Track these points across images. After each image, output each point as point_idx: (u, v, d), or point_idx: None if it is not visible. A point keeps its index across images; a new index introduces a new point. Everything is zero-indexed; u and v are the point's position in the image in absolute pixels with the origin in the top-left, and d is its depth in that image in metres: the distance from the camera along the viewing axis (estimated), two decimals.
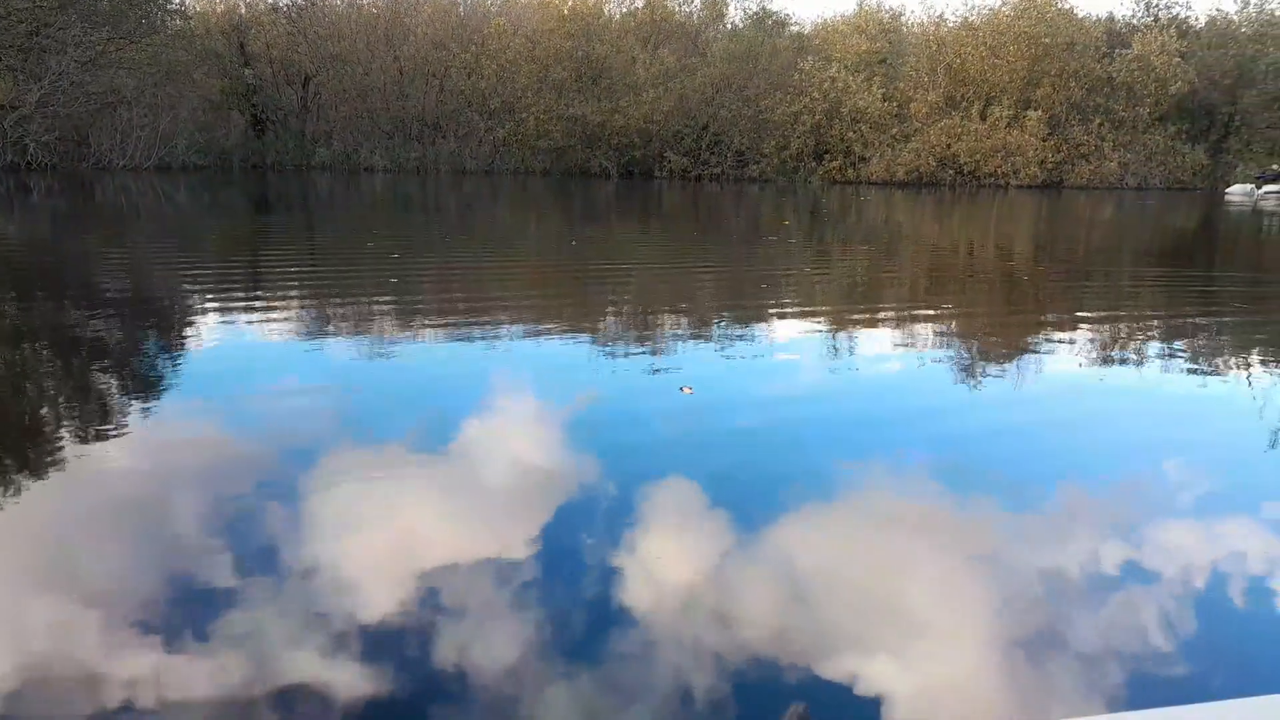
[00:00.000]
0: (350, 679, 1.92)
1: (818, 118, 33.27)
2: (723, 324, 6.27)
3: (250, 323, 5.73)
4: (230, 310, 6.17)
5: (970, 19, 35.05)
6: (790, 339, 5.72)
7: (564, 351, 5.14)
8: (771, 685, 1.93)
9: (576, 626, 2.15)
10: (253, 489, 2.95)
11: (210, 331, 5.42)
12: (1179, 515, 2.91)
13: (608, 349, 5.23)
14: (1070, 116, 33.91)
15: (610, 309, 6.86)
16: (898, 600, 2.31)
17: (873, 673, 1.98)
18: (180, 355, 4.86)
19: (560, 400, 4.13)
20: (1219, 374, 5.10)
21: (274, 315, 6.05)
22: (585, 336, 5.67)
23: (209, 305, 6.36)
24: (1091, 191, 31.78)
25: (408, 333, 5.57)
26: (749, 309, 6.99)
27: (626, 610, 2.22)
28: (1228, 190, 31.10)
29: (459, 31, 34.09)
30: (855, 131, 33.57)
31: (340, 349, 5.03)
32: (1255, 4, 36.23)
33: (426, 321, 6.00)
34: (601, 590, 2.32)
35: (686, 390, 4.16)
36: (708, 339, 5.65)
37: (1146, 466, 3.43)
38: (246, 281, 7.70)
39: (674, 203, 21.81)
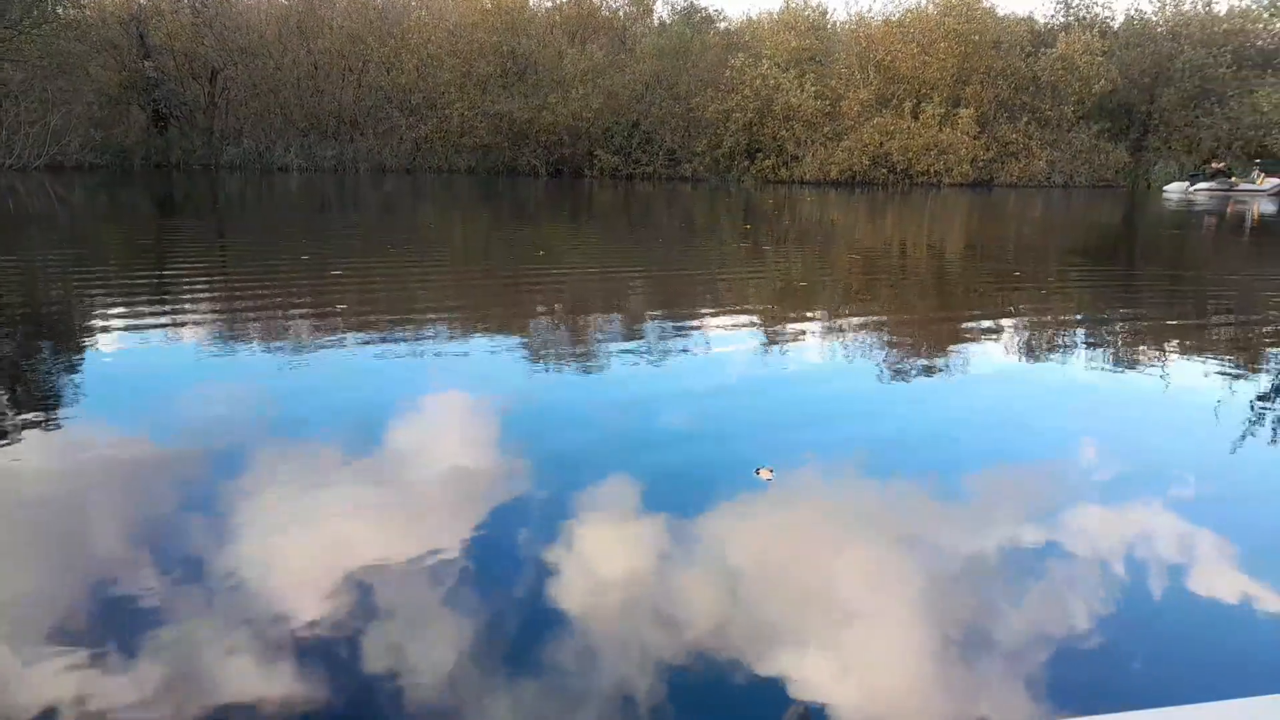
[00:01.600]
0: (281, 691, 1.87)
1: (750, 116, 32.73)
2: (776, 333, 5.91)
3: (190, 362, 4.78)
4: (165, 343, 5.19)
5: (894, 17, 34.90)
6: (806, 340, 5.76)
7: (578, 379, 4.64)
8: (773, 686, 1.95)
9: (535, 632, 2.15)
10: (180, 503, 2.85)
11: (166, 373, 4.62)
12: (1125, 505, 3.03)
13: (612, 368, 4.84)
14: (999, 115, 34.09)
15: (614, 323, 6.24)
16: (898, 603, 2.36)
17: (866, 672, 2.03)
18: (112, 374, 4.44)
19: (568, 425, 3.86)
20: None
21: (222, 355, 4.96)
22: (594, 358, 5.14)
23: (121, 328, 5.53)
24: (1021, 189, 31.95)
25: (392, 376, 4.60)
26: (779, 317, 6.60)
27: (592, 618, 2.22)
28: (1165, 189, 31.75)
29: (377, 24, 32.69)
30: (788, 130, 33.11)
31: (319, 406, 4.09)
32: (1171, 3, 36.95)
33: (412, 364, 4.92)
34: (569, 596, 2.33)
35: (765, 474, 3.16)
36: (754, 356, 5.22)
37: (1093, 455, 3.57)
38: (169, 305, 6.47)
39: (616, 203, 20.97)
